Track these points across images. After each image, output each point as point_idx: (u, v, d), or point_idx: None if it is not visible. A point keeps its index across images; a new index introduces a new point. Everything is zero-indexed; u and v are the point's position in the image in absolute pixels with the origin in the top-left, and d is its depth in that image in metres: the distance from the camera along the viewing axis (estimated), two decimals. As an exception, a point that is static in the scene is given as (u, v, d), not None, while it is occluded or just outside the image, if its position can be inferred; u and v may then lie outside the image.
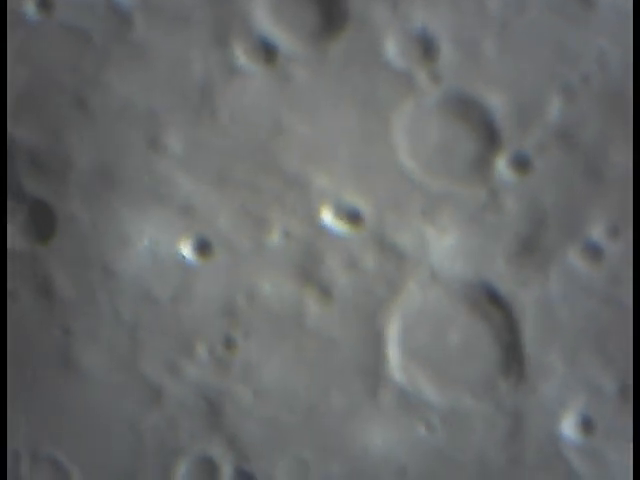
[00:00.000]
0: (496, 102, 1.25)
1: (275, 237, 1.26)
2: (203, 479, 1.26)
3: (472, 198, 1.25)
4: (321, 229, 1.26)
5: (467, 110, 1.26)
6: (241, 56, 1.26)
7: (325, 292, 1.26)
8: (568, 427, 1.24)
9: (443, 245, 1.25)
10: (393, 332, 1.26)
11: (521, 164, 1.24)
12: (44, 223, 1.27)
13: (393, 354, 1.26)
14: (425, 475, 1.25)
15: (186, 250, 1.26)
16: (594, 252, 1.23)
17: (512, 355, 1.24)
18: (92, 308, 1.26)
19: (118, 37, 1.25)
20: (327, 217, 1.26)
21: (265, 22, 1.25)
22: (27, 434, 1.26)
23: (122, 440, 1.26)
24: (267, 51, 1.26)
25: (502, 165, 1.24)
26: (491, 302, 1.25)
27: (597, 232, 1.22)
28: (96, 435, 1.26)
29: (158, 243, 1.26)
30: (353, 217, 1.26)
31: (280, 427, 1.26)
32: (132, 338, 1.26)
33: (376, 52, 1.25)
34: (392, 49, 1.25)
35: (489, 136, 1.25)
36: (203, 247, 1.26)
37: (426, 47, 1.26)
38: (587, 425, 1.23)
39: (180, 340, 1.26)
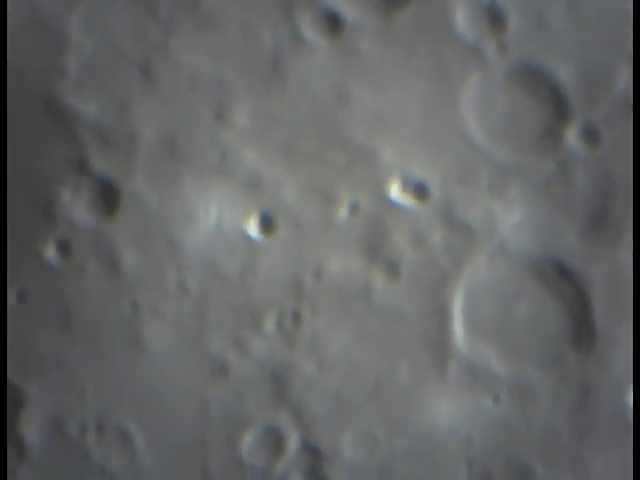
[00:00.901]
0: (564, 73, 1.24)
1: (342, 211, 1.25)
2: (269, 450, 1.26)
3: (540, 170, 1.25)
4: (388, 203, 1.26)
5: (535, 81, 1.24)
6: (308, 27, 1.24)
7: (391, 267, 1.26)
8: (638, 400, 1.24)
9: (511, 218, 1.25)
10: (459, 306, 1.26)
11: (590, 136, 1.23)
12: (110, 198, 1.26)
13: (459, 327, 1.26)
14: (491, 446, 1.26)
15: (252, 225, 1.25)
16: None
17: (582, 328, 1.24)
18: (158, 283, 1.26)
19: (185, 6, 1.24)
20: (394, 191, 1.25)
21: (332, -7, 1.24)
22: (94, 406, 1.27)
23: (188, 412, 1.26)
24: (334, 22, 1.25)
25: (572, 137, 1.23)
26: (560, 275, 1.24)
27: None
28: (162, 407, 1.26)
29: (224, 218, 1.25)
30: (420, 191, 1.26)
31: (346, 400, 1.26)
32: (198, 312, 1.26)
33: (444, 23, 1.24)
34: (460, 20, 1.24)
35: (557, 107, 1.24)
36: (269, 222, 1.26)
37: (494, 18, 1.24)
38: (656, 398, 1.23)
39: (246, 314, 1.26)
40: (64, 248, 1.27)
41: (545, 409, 1.25)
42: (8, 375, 1.27)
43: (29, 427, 1.27)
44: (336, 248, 1.26)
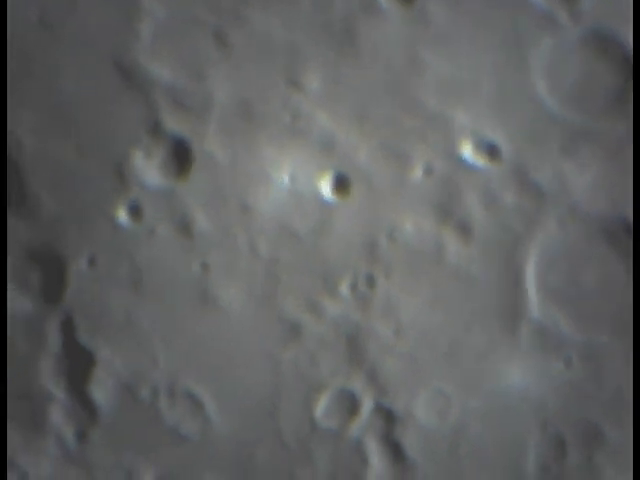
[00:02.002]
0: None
1: (415, 173, 1.26)
2: (343, 413, 1.26)
3: (612, 133, 1.26)
4: (461, 164, 1.26)
5: (607, 46, 1.26)
6: (383, -9, 1.26)
7: (464, 229, 1.26)
8: None
9: (582, 181, 1.26)
10: (531, 269, 1.26)
11: (661, 100, 1.25)
12: (183, 160, 1.26)
13: (531, 291, 1.26)
14: (563, 410, 1.26)
15: (325, 186, 1.26)
16: None
17: (657, 288, 1.25)
18: (230, 244, 1.26)
19: (262, -29, 1.25)
20: (467, 153, 1.26)
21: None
22: (165, 369, 1.26)
23: (261, 375, 1.26)
24: (407, -13, 1.26)
25: (644, 100, 1.25)
26: (631, 238, 1.25)
27: None
28: (234, 370, 1.26)
29: (297, 179, 1.26)
30: (492, 153, 1.26)
31: (420, 363, 1.26)
32: (271, 274, 1.25)
33: (516, -12, 1.26)
34: (533, -15, 1.26)
35: (629, 72, 1.25)
36: (342, 184, 1.26)
37: (566, -17, 1.26)
38: None
39: (320, 276, 1.26)
40: (135, 210, 1.26)
41: (617, 374, 1.25)
42: (81, 338, 1.26)
43: (100, 390, 1.26)
44: (409, 210, 1.26)
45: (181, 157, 1.26)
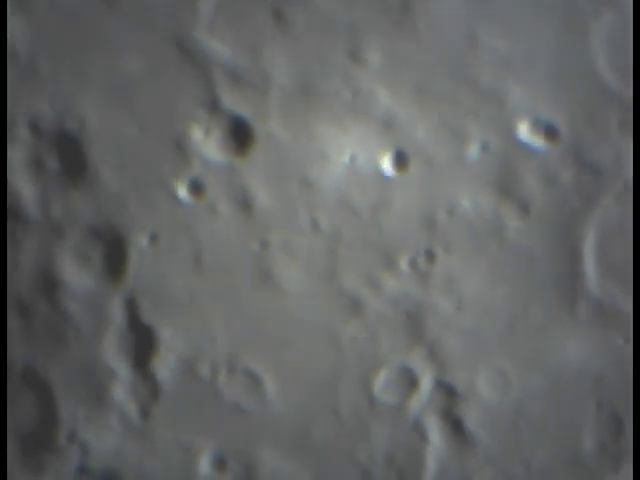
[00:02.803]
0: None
1: (473, 150, 1.26)
2: (403, 390, 1.26)
3: (672, 110, 1.25)
4: (517, 143, 1.27)
5: (666, 22, 1.26)
6: (442, -32, 1.26)
7: (522, 206, 1.26)
8: None
9: (641, 157, 1.26)
10: (589, 245, 1.26)
11: None
12: (243, 137, 1.27)
13: (589, 267, 1.26)
14: (621, 385, 1.26)
15: (385, 162, 1.26)
16: None
17: None
18: (291, 221, 1.26)
19: (324, -53, 1.25)
20: (523, 131, 1.26)
21: None
22: (225, 347, 1.27)
23: (320, 351, 1.26)
24: (467, -36, 1.26)
25: None
26: (692, 213, 1.25)
27: None
28: (294, 347, 1.26)
29: (357, 156, 1.26)
30: (549, 131, 1.27)
31: (480, 339, 1.26)
32: (331, 250, 1.26)
33: (575, -35, 1.26)
34: (592, -39, 1.25)
35: (689, 48, 1.25)
36: (401, 160, 1.27)
37: (625, -40, 1.26)
38: None
39: (380, 252, 1.26)
40: (196, 187, 1.27)
41: (675, 348, 1.26)
42: (143, 315, 1.27)
43: (162, 367, 1.27)
44: (468, 186, 1.26)
45: (241, 134, 1.27)
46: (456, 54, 1.27)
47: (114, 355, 1.27)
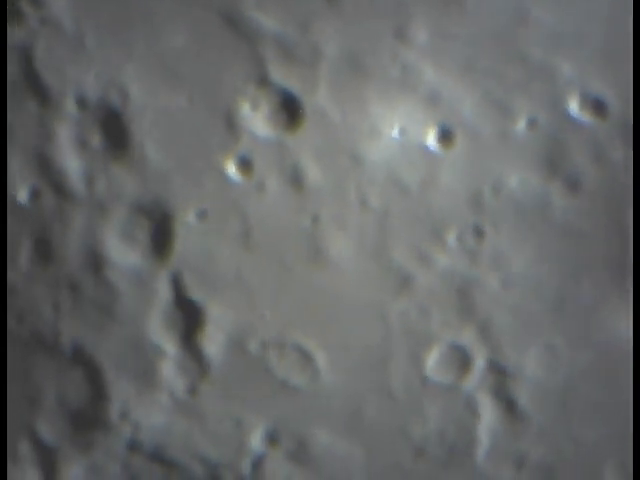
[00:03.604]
0: None
1: (520, 126, 1.25)
2: (455, 368, 1.26)
3: None
4: (566, 119, 1.26)
5: None
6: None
7: (571, 183, 1.26)
8: None
9: (692, 132, 1.25)
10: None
11: None
12: (292, 112, 1.26)
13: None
14: (672, 362, 1.26)
15: (432, 138, 1.25)
16: None
17: None
18: (341, 196, 1.26)
19: None
20: (572, 107, 1.25)
21: None
22: (275, 323, 1.26)
23: (371, 327, 1.26)
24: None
25: None
26: None
27: None
28: (344, 323, 1.26)
29: (405, 132, 1.25)
30: (599, 107, 1.26)
31: (529, 316, 1.26)
32: (381, 226, 1.25)
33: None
34: None
35: None
36: (448, 136, 1.26)
37: None
38: None
39: (429, 228, 1.26)
40: (245, 163, 1.26)
41: None
42: (190, 292, 1.27)
43: (210, 344, 1.27)
44: (514, 162, 1.26)
45: (290, 109, 1.26)
46: (504, 29, 1.26)
47: (161, 332, 1.26)
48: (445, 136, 1.25)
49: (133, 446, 1.26)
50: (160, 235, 1.27)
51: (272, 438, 1.27)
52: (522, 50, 1.26)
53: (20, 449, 1.27)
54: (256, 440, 1.26)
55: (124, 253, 1.27)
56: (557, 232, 1.26)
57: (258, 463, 1.27)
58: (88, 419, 1.27)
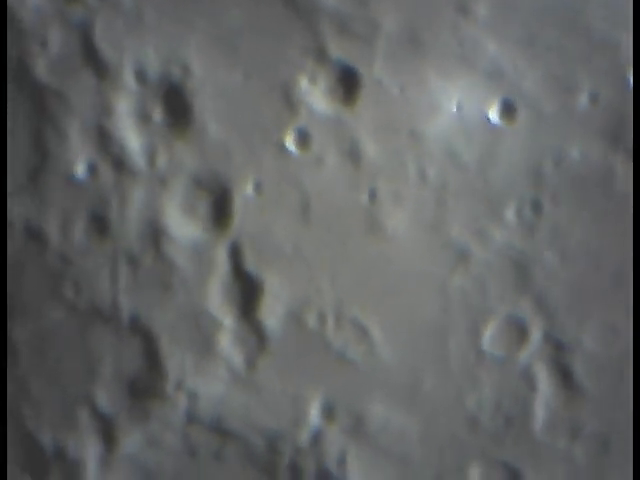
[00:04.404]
0: None
1: (582, 100, 1.25)
2: (511, 341, 1.27)
3: None
4: (628, 93, 1.25)
5: None
6: None
7: (632, 157, 1.25)
8: None
9: None
10: (698, 196, 1.26)
11: None
12: (350, 87, 1.26)
13: (698, 218, 1.26)
14: None
15: (492, 113, 1.25)
16: None
17: None
18: (399, 171, 1.26)
19: None
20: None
21: None
22: (332, 297, 1.27)
23: (428, 301, 1.26)
24: None
25: None
26: None
27: None
28: (401, 297, 1.26)
29: (464, 107, 1.25)
30: (659, 80, 1.25)
31: (587, 290, 1.26)
32: (438, 200, 1.26)
33: None
34: None
35: None
36: (509, 110, 1.26)
37: None
38: None
39: (486, 202, 1.26)
40: (303, 137, 1.27)
41: None
42: (249, 265, 1.27)
43: (268, 317, 1.28)
44: (576, 136, 1.26)
45: (348, 84, 1.26)
46: (566, 2, 1.25)
47: (220, 304, 1.27)
48: (506, 111, 1.25)
49: (190, 417, 1.28)
50: (219, 208, 1.27)
51: (329, 411, 1.28)
52: (584, 24, 1.26)
53: (79, 418, 1.29)
54: (313, 413, 1.28)
55: (183, 226, 1.27)
56: (618, 206, 1.26)
57: (316, 436, 1.28)
58: (145, 390, 1.29)
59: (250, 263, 1.28)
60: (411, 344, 1.28)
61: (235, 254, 1.28)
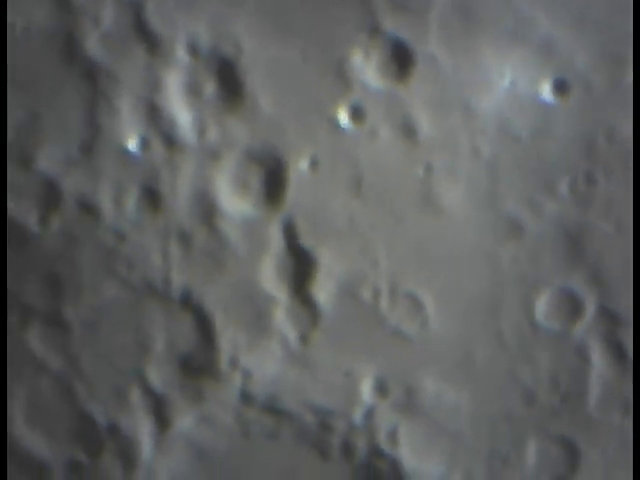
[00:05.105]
0: None
1: (632, 77, 1.26)
2: (565, 314, 1.27)
3: None
4: (676, 68, 1.27)
5: None
6: None
7: (680, 130, 1.27)
8: None
9: None
10: None
11: None
12: (403, 62, 1.27)
13: None
14: None
15: (545, 88, 1.26)
16: None
17: None
18: (453, 146, 1.26)
19: None
20: (683, 56, 1.26)
21: None
22: (386, 271, 1.27)
23: (481, 274, 1.27)
24: None
25: None
26: None
27: None
28: (455, 270, 1.27)
29: (517, 83, 1.26)
30: None
31: None
32: (492, 175, 1.26)
33: None
34: None
35: None
36: (561, 86, 1.27)
37: None
38: None
39: (540, 177, 1.27)
40: (357, 112, 1.27)
41: None
42: (302, 241, 1.27)
43: (322, 293, 1.27)
44: (628, 111, 1.27)
45: (402, 59, 1.26)
46: (614, -21, 1.27)
47: (273, 280, 1.27)
48: (559, 87, 1.26)
49: (245, 396, 1.27)
50: (272, 183, 1.27)
51: (382, 387, 1.27)
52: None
53: (131, 397, 1.28)
54: (366, 390, 1.27)
55: (235, 202, 1.27)
56: (666, 180, 1.27)
57: (368, 413, 1.28)
58: (198, 368, 1.28)
59: (304, 238, 1.27)
60: (464, 318, 1.28)
61: (288, 230, 1.27)
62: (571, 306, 1.27)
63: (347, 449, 1.29)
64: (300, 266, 1.28)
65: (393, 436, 1.29)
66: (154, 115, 1.28)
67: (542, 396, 1.28)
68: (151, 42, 1.27)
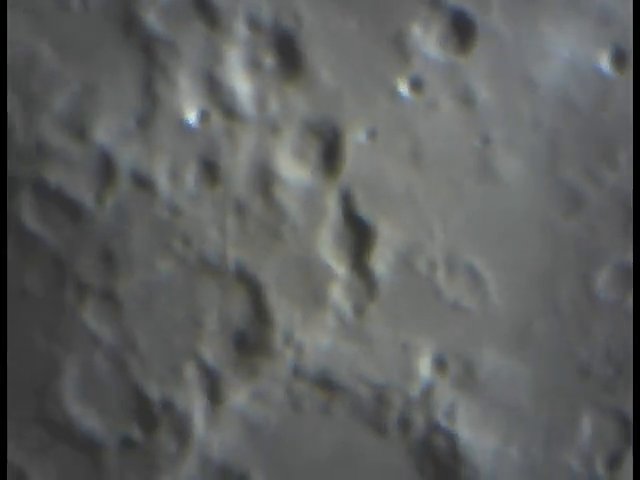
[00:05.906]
0: None
1: (690, 48, 1.26)
2: (624, 287, 1.26)
3: None
4: None
5: None
6: None
7: None
8: None
9: None
10: None
11: None
12: (464, 33, 1.27)
13: None
14: None
15: (604, 61, 1.26)
16: None
17: None
18: (512, 117, 1.26)
19: None
20: None
21: None
22: (444, 243, 1.26)
23: (540, 246, 1.26)
24: None
25: None
26: None
27: None
28: (514, 242, 1.26)
29: (576, 54, 1.26)
30: None
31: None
32: (551, 145, 1.26)
33: None
34: None
35: None
36: (620, 57, 1.27)
37: None
38: None
39: (600, 148, 1.26)
40: (416, 84, 1.27)
41: None
42: (360, 211, 1.26)
43: (380, 264, 1.26)
44: (686, 84, 1.27)
45: (462, 30, 1.26)
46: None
47: (330, 251, 1.26)
48: (618, 57, 1.26)
49: (297, 372, 1.26)
50: (331, 154, 1.26)
51: (440, 361, 1.26)
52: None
53: (185, 373, 1.26)
54: (424, 365, 1.26)
55: (294, 172, 1.26)
56: None
57: (426, 387, 1.26)
58: (252, 344, 1.26)
59: (361, 209, 1.26)
60: (523, 290, 1.27)
61: (346, 199, 1.26)
62: (628, 279, 1.26)
63: (404, 424, 1.28)
64: (358, 236, 1.27)
65: (451, 412, 1.28)
66: (214, 88, 1.27)
67: (597, 370, 1.27)
68: (211, 15, 1.26)
